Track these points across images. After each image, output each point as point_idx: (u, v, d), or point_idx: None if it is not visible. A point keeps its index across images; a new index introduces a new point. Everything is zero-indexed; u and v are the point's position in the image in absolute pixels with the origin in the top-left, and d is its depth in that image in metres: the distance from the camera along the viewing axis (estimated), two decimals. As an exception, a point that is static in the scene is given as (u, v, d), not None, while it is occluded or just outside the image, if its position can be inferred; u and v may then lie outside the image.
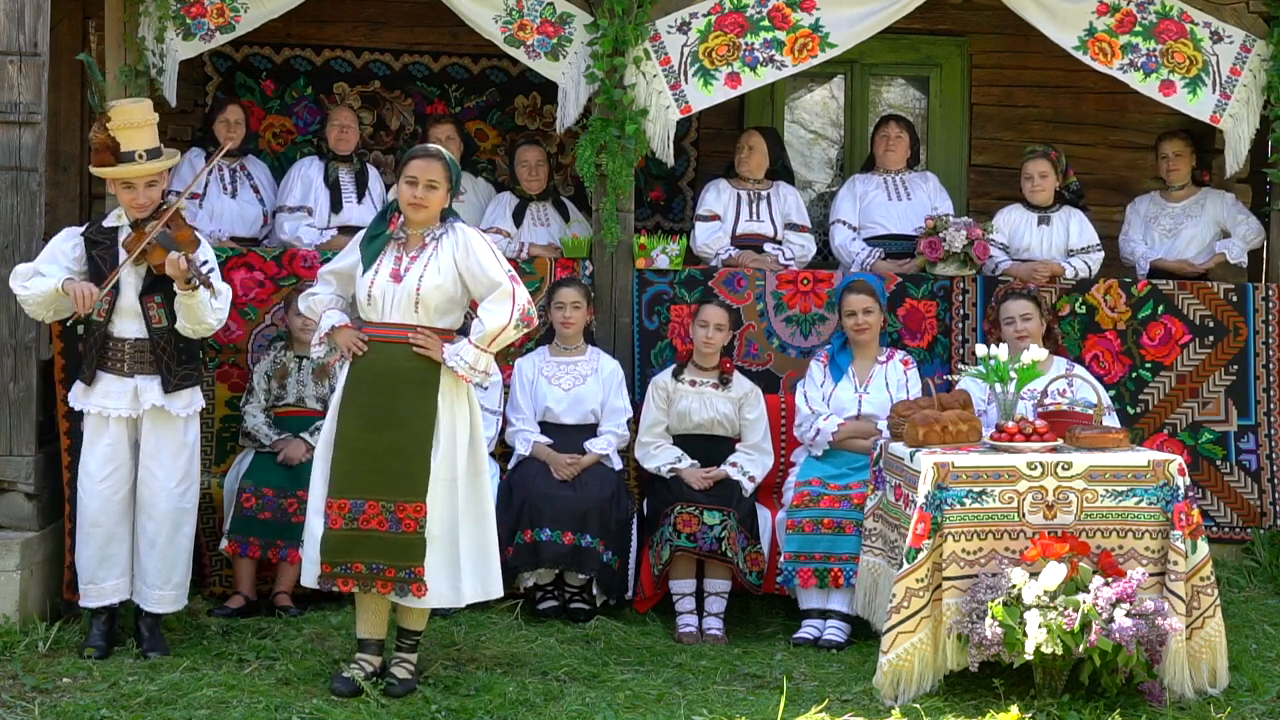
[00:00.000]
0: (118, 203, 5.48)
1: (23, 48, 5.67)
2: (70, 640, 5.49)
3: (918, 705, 5.00)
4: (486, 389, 6.09)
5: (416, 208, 5.05)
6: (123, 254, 5.35)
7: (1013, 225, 7.18)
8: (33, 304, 5.35)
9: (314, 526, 5.03)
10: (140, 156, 5.35)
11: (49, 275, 5.32)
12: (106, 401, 5.37)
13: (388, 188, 7.16)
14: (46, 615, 5.68)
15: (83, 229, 5.49)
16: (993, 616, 4.95)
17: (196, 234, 5.48)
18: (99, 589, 5.41)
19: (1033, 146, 7.35)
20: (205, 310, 5.31)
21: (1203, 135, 7.83)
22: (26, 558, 5.60)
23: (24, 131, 5.69)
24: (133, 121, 5.37)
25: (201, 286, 5.23)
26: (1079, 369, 6.35)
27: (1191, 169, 7.51)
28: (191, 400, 5.48)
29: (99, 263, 5.36)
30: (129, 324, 5.38)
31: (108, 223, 5.49)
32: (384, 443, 4.97)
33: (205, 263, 5.33)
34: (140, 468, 5.41)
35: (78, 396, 5.43)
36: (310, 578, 5.05)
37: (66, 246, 5.40)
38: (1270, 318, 6.98)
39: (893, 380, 6.42)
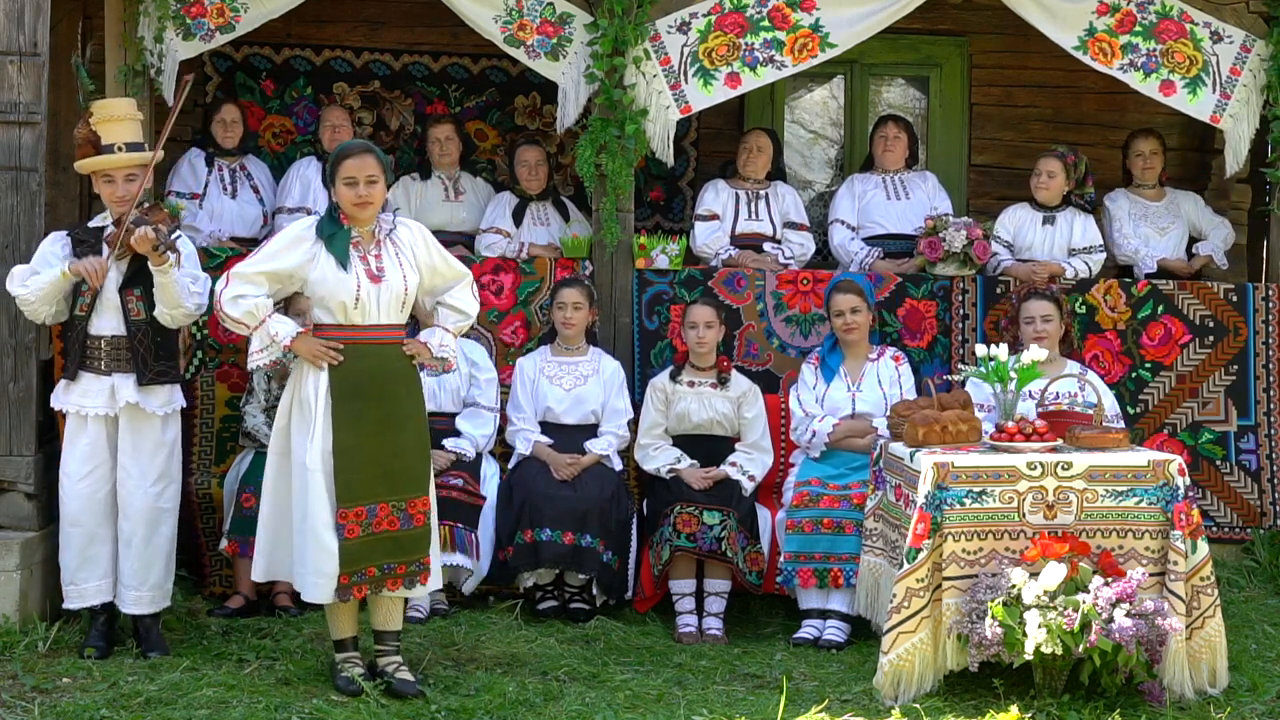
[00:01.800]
0: (116, 204, 5.49)
1: (23, 48, 5.67)
2: (70, 640, 5.49)
3: (918, 705, 5.00)
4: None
5: (363, 206, 4.98)
6: (105, 249, 5.35)
7: (1018, 223, 7.16)
8: (35, 301, 5.34)
9: (326, 541, 4.88)
10: (120, 148, 5.37)
11: (44, 274, 5.33)
12: (84, 400, 5.37)
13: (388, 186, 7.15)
14: (46, 615, 5.67)
15: (68, 230, 5.51)
16: (993, 616, 4.95)
17: (173, 219, 5.48)
18: (80, 590, 5.41)
19: (1054, 146, 7.31)
20: (182, 292, 5.31)
21: (1204, 133, 7.84)
22: (26, 558, 5.59)
23: (24, 131, 5.68)
24: (113, 115, 5.39)
25: (169, 254, 5.20)
26: (1092, 375, 6.30)
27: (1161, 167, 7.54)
28: (170, 399, 5.46)
29: None
30: (108, 320, 5.36)
31: (93, 223, 5.52)
32: (388, 445, 4.97)
33: (175, 231, 5.31)
34: (117, 466, 5.40)
35: (58, 396, 5.44)
36: (322, 593, 4.90)
37: (55, 248, 5.41)
38: (1270, 318, 6.98)
39: (885, 377, 6.42)
